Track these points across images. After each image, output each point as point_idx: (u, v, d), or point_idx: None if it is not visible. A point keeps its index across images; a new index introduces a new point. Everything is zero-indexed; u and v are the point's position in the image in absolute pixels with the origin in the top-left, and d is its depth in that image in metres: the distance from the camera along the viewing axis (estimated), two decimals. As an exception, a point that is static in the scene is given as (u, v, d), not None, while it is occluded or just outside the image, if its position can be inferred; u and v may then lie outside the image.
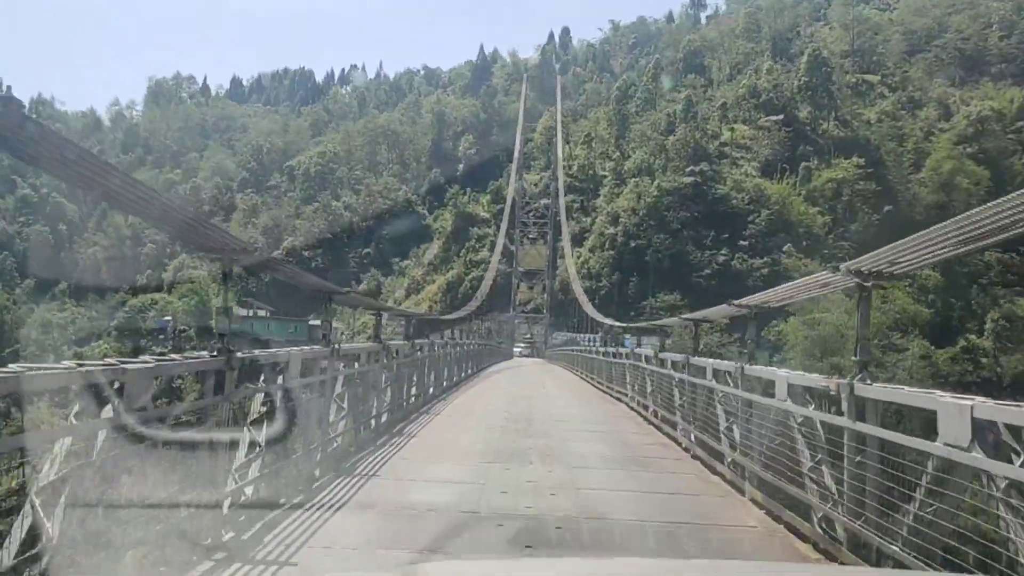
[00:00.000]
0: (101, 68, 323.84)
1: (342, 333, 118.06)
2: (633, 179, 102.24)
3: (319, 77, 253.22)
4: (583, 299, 76.29)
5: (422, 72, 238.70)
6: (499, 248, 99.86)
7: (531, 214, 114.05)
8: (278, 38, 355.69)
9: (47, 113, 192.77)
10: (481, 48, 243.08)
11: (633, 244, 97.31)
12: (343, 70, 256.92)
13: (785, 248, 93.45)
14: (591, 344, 47.67)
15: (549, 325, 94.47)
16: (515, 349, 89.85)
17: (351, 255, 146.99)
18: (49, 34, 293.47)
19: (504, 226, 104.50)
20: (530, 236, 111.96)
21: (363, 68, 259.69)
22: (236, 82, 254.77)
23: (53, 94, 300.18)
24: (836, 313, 66.28)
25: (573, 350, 56.25)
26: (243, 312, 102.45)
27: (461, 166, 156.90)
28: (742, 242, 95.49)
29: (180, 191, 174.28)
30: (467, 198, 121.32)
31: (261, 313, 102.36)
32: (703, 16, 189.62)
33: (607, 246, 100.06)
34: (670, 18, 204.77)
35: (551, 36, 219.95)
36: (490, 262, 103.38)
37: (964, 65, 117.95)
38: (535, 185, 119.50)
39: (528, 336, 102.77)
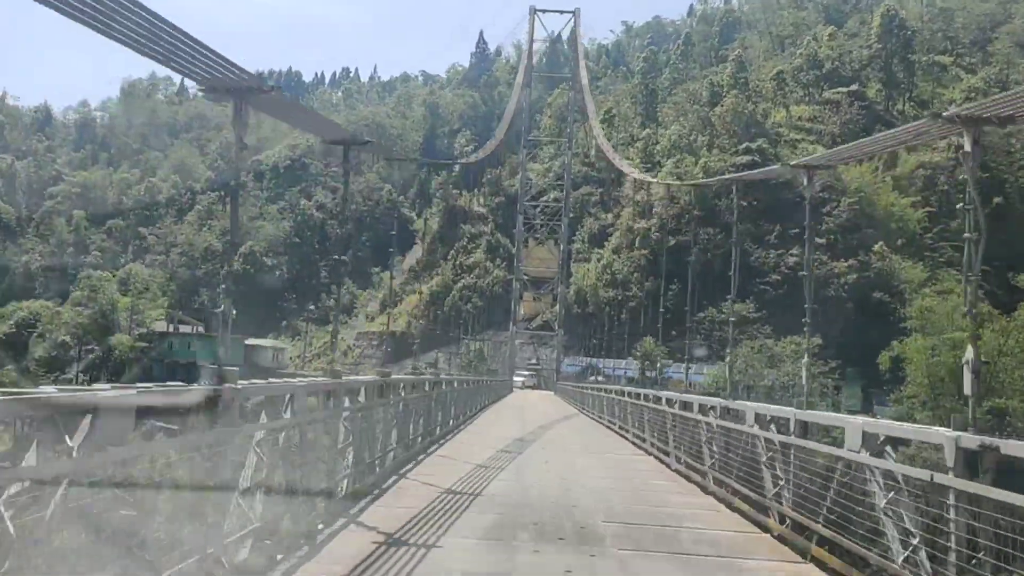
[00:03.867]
0: (85, 73, 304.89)
1: (289, 356, 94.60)
2: (670, 159, 79.35)
3: (307, 79, 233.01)
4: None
5: (419, 77, 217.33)
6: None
7: (538, 209, 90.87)
8: (270, 45, 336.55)
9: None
10: (481, 35, 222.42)
11: (672, 241, 74.15)
12: (334, 73, 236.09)
13: (876, 247, 70.34)
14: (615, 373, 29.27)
15: (562, 347, 70.82)
16: (515, 379, 66.78)
17: (323, 263, 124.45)
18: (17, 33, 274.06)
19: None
20: (536, 236, 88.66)
21: (356, 72, 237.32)
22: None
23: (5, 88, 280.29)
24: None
25: (599, 388, 33.89)
26: (173, 327, 79.37)
27: (457, 168, 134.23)
28: (818, 240, 72.26)
29: (135, 191, 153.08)
30: (458, 190, 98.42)
31: (185, 329, 79.23)
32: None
33: (637, 244, 77.05)
34: (690, 12, 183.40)
35: (559, 36, 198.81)
36: (486, 265, 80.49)
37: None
38: (543, 175, 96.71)
39: (533, 361, 79.52)
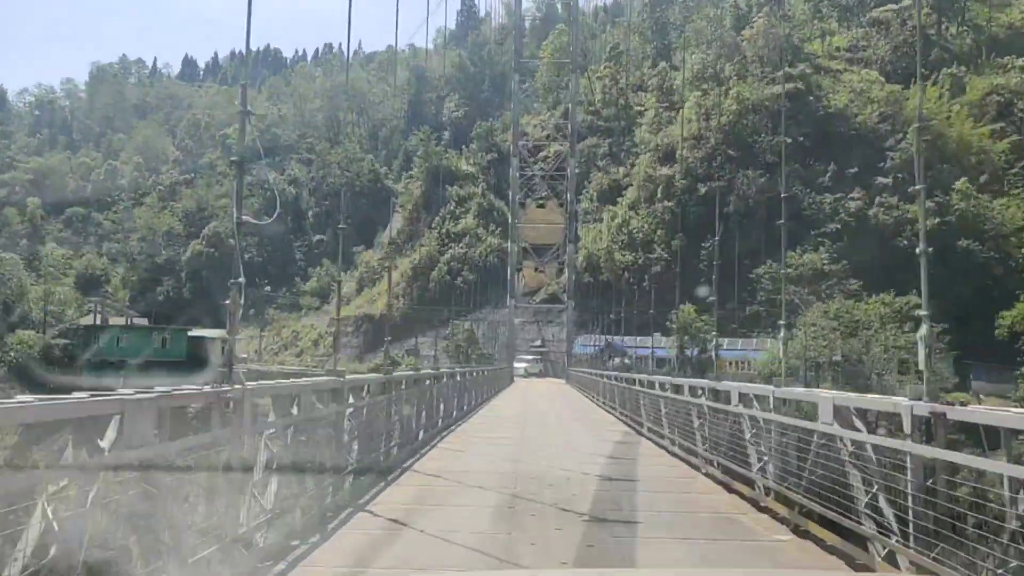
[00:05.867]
0: (65, 58, 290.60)
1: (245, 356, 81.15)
2: (694, 93, 65.65)
3: (287, 55, 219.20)
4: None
5: (406, 51, 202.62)
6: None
7: (538, 166, 77.13)
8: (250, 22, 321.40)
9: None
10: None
11: (704, 189, 60.72)
12: (316, 49, 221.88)
13: (958, 184, 56.77)
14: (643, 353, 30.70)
15: (572, 323, 57.29)
16: (517, 365, 53.82)
17: (299, 243, 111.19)
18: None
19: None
20: (536, 198, 74.94)
21: (340, 48, 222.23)
22: (189, 62, 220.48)
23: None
24: None
25: (633, 379, 19.86)
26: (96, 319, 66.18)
27: (447, 133, 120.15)
28: (881, 179, 58.87)
29: (96, 174, 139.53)
30: (443, 147, 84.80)
31: (116, 321, 66.03)
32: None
33: (659, 196, 63.64)
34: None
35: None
36: (477, 232, 67.18)
37: None
38: (542, 126, 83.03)
39: (537, 343, 66.28)
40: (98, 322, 62.84)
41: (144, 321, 72.49)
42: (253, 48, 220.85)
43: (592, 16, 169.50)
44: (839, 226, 55.27)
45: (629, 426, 18.27)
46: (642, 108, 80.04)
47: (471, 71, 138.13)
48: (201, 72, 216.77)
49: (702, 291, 41.49)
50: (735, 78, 65.00)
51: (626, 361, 42.47)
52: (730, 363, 48.65)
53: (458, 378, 19.99)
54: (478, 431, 16.70)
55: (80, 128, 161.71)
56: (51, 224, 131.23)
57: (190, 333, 63.72)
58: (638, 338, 52.51)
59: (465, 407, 20.53)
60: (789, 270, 44.88)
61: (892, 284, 49.44)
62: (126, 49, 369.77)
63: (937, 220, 54.50)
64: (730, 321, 49.15)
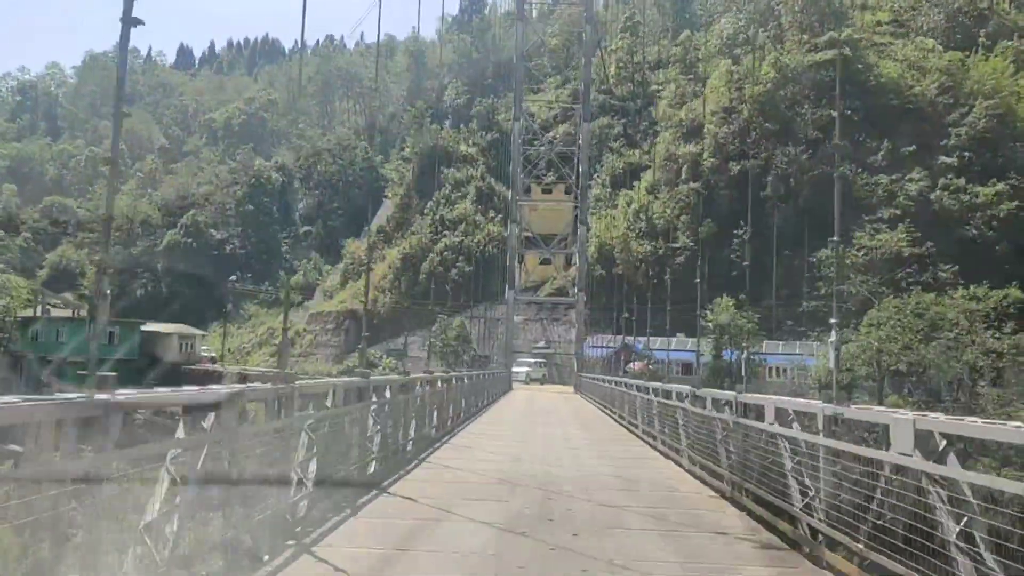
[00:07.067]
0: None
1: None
2: (724, 61, 57.49)
3: (286, 46, 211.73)
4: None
5: (409, 36, 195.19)
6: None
7: (543, 155, 68.70)
8: (250, 11, 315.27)
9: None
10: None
11: (736, 167, 52.54)
12: (317, 41, 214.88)
13: (1035, 164, 48.46)
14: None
15: (584, 322, 49.00)
16: (517, 370, 45.72)
17: (284, 235, 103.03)
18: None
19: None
20: (543, 183, 66.56)
21: (341, 40, 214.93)
22: (184, 51, 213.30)
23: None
24: None
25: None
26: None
27: (448, 122, 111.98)
28: (946, 158, 50.58)
29: (76, 162, 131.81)
30: (438, 127, 76.79)
31: (59, 311, 57.95)
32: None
33: (683, 176, 55.51)
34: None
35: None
36: (475, 219, 59.06)
37: None
38: (550, 105, 74.89)
39: (540, 344, 57.97)
40: (38, 313, 54.78)
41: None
42: (251, 38, 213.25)
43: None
44: (897, 211, 46.90)
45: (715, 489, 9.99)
46: (660, 87, 71.93)
47: (474, 57, 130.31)
48: (196, 61, 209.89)
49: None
50: (770, 44, 56.70)
51: (651, 366, 34.31)
52: (773, 370, 40.43)
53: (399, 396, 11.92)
54: (413, 516, 8.20)
55: (66, 115, 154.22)
56: (27, 212, 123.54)
57: (143, 327, 55.77)
58: (663, 339, 44.22)
59: (425, 431, 12.47)
60: (855, 255, 36.57)
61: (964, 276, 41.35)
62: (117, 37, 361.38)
63: (1015, 204, 46.28)
64: (780, 319, 41.00)
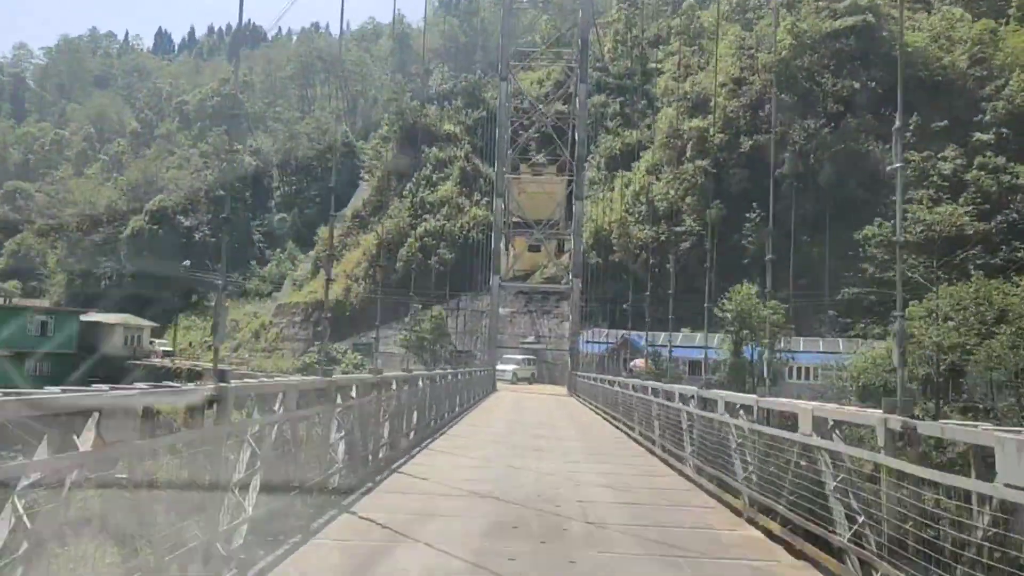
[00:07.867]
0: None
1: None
2: (733, 27, 52.22)
3: (269, 34, 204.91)
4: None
5: (395, 17, 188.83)
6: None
7: (533, 129, 63.13)
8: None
9: None
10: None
11: (749, 142, 47.32)
12: (302, 28, 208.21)
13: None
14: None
15: (579, 313, 43.56)
16: (503, 368, 40.38)
17: (258, 223, 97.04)
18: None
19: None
20: (532, 162, 61.01)
21: (327, 27, 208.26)
22: (163, 36, 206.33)
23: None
24: None
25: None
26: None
27: (433, 107, 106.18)
28: (981, 135, 45.58)
29: (40, 144, 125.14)
30: (419, 103, 71.22)
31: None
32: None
33: (688, 155, 50.27)
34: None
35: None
36: (459, 202, 53.56)
37: None
38: (540, 83, 69.42)
39: (529, 339, 52.46)
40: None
41: (46, 304, 58.47)
42: (235, 24, 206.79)
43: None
44: (930, 191, 41.79)
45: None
46: (660, 64, 66.70)
47: (462, 41, 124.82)
48: (175, 47, 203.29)
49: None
50: (784, 10, 51.49)
51: (664, 366, 29.04)
52: (799, 370, 35.23)
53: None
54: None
55: (32, 98, 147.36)
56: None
57: (83, 318, 49.96)
58: (664, 334, 38.76)
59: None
60: (910, 232, 31.29)
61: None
62: (99, 23, 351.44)
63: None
64: (800, 311, 35.82)
